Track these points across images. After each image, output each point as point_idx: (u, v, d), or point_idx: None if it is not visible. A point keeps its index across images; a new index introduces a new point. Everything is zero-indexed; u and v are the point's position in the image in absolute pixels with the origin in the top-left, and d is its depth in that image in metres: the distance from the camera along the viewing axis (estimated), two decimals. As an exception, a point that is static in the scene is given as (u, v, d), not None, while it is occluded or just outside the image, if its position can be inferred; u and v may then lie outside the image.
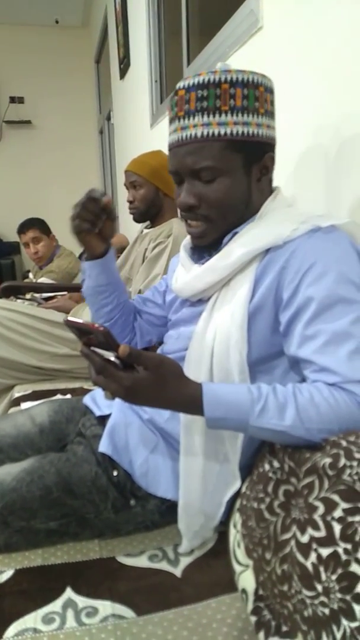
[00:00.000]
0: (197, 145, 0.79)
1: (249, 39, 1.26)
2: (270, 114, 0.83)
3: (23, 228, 2.67)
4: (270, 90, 0.82)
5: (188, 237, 0.99)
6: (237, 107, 0.77)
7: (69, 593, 0.77)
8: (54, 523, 0.86)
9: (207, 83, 0.77)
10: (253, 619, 0.67)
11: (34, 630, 0.70)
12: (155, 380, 0.67)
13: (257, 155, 0.82)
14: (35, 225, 2.64)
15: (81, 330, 0.66)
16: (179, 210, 0.89)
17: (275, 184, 0.90)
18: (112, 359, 0.66)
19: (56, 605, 0.74)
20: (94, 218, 0.94)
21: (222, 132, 0.78)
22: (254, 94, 0.78)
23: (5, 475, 0.87)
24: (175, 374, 0.69)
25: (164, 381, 0.67)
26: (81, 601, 0.75)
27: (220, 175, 0.80)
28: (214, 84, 0.77)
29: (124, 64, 3.22)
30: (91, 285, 1.06)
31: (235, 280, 0.83)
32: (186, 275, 0.92)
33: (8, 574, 0.81)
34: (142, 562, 0.84)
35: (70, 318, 0.65)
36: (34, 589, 0.78)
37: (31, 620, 0.72)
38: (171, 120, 0.83)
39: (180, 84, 0.81)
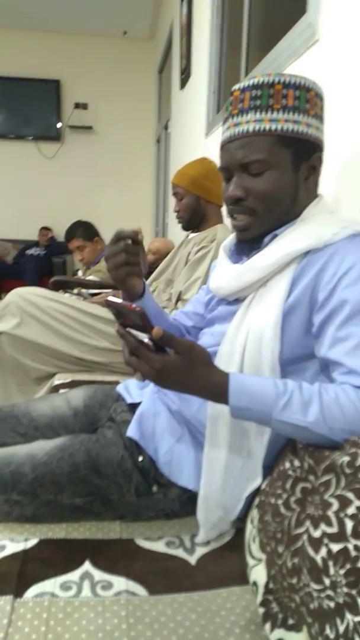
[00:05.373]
0: (248, 140, 0.82)
1: (305, 51, 1.28)
2: (320, 118, 0.85)
3: (68, 236, 2.77)
4: (320, 97, 0.85)
5: (228, 239, 1.01)
6: (288, 106, 0.81)
7: (87, 566, 0.80)
8: (80, 500, 0.90)
9: (261, 84, 0.81)
10: (261, 610, 0.68)
11: (51, 595, 0.74)
12: (185, 365, 0.69)
13: (305, 153, 0.84)
14: (78, 234, 2.71)
15: (119, 311, 0.70)
16: (224, 207, 0.90)
17: (322, 191, 0.91)
18: (146, 340, 0.69)
19: (74, 575, 0.78)
20: (134, 258, 0.91)
21: (273, 127, 0.81)
22: (305, 97, 0.81)
23: (38, 449, 0.92)
24: (204, 361, 0.72)
25: (192, 366, 0.70)
26: (98, 574, 0.79)
27: (269, 169, 0.83)
28: (267, 84, 0.81)
29: (185, 75, 3.30)
30: None
31: (273, 280, 0.84)
32: (225, 274, 0.94)
33: (33, 541, 0.85)
34: (159, 546, 0.86)
35: (110, 298, 0.69)
36: (55, 558, 0.82)
37: (50, 585, 0.76)
38: (225, 120, 0.87)
39: (236, 86, 0.85)
